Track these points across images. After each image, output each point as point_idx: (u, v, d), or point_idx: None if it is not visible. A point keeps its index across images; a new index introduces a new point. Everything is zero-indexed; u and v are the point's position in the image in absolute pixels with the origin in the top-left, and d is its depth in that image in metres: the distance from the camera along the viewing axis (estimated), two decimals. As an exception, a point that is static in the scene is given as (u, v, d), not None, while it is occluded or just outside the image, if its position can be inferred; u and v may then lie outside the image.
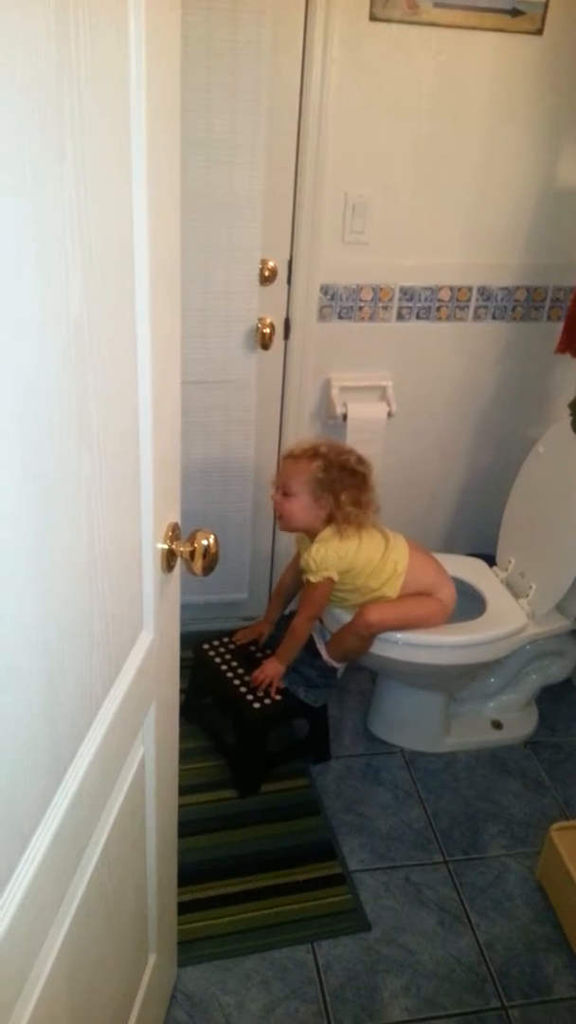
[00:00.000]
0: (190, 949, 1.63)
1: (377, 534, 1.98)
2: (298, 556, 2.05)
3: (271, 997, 1.58)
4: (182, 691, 2.11)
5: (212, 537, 1.01)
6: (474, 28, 2.02)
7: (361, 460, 1.94)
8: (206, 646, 2.15)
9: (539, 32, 2.06)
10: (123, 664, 0.92)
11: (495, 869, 1.88)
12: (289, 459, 1.94)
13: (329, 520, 1.91)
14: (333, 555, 1.88)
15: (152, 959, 1.34)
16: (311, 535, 1.95)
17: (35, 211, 0.55)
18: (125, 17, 0.68)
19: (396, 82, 2.04)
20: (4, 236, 0.52)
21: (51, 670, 0.69)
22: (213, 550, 1.01)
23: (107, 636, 0.83)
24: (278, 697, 1.98)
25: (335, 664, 2.03)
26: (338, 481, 1.89)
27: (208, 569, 1.01)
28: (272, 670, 2.00)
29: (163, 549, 0.98)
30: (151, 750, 1.08)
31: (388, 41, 1.99)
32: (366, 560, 1.92)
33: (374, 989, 1.61)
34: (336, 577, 1.91)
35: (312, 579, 1.91)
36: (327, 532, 1.91)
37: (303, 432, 2.41)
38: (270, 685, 1.99)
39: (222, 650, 2.13)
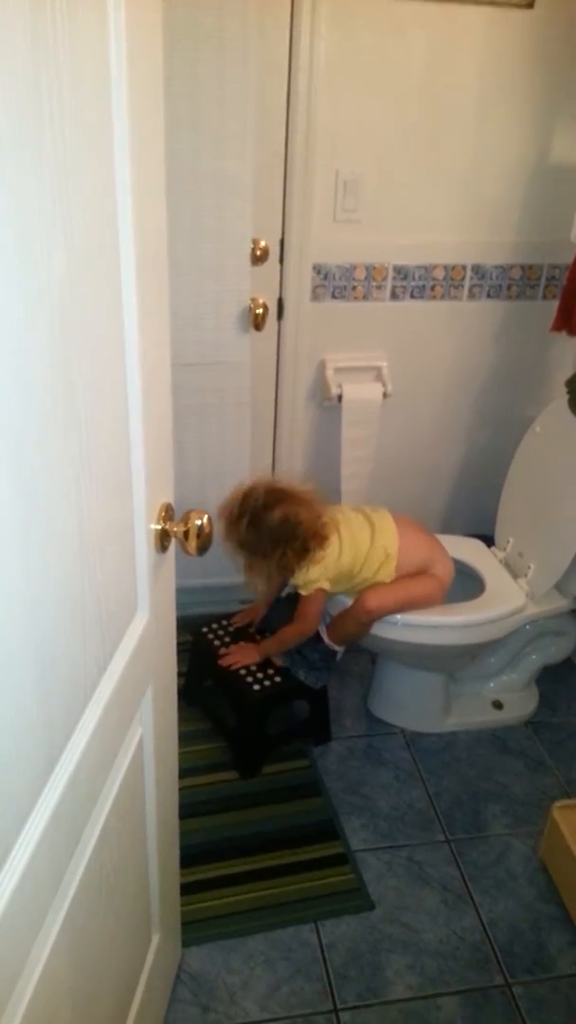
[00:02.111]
0: (194, 929, 1.64)
1: (357, 521, 1.95)
2: None
3: (275, 976, 1.59)
4: (181, 674, 2.11)
5: (206, 517, 1.01)
6: (464, 2, 2.00)
7: (283, 493, 1.82)
8: (205, 629, 2.15)
9: (530, 5, 2.04)
10: (118, 646, 0.92)
11: (497, 848, 1.89)
12: (220, 526, 1.84)
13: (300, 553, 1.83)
14: (318, 570, 1.86)
15: (156, 939, 1.35)
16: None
17: (13, 180, 0.54)
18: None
19: (386, 58, 2.02)
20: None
21: (42, 651, 0.68)
22: (207, 530, 1.00)
23: (100, 618, 0.83)
24: (278, 679, 1.99)
25: (335, 647, 2.04)
26: (273, 530, 1.78)
27: (203, 549, 1.01)
28: (244, 656, 2.00)
29: (156, 530, 0.98)
30: (149, 731, 1.09)
31: (377, 16, 1.97)
32: (353, 557, 1.90)
33: (378, 967, 1.62)
34: (328, 587, 1.90)
35: (304, 592, 1.89)
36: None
37: (298, 414, 2.41)
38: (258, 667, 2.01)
39: (221, 633, 2.13)
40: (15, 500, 0.60)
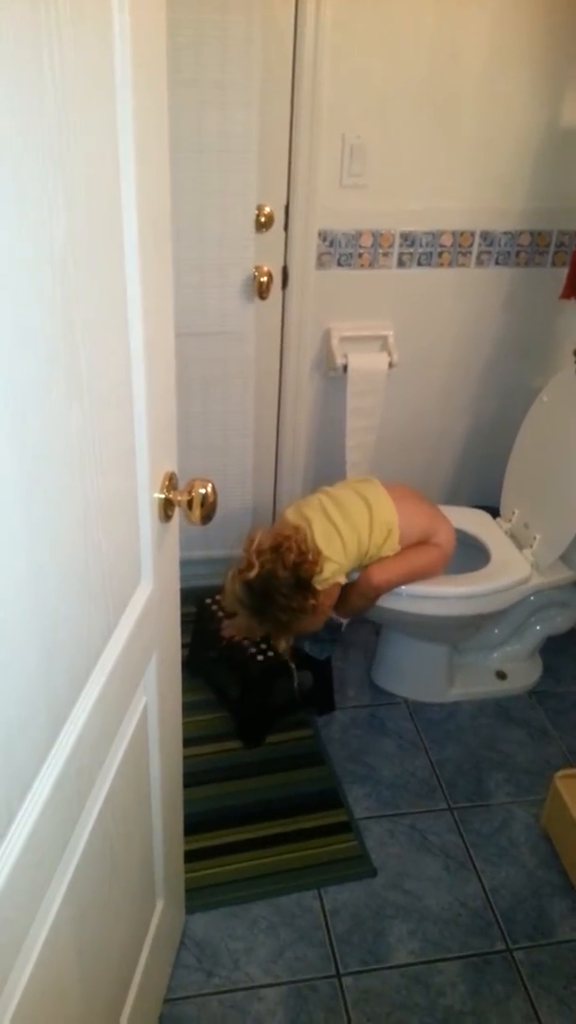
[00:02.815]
0: (198, 896, 1.66)
1: (353, 504, 1.89)
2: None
3: (279, 942, 1.61)
4: (185, 645, 2.12)
5: (210, 485, 1.00)
6: (475, -42, 1.95)
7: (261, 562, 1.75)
8: (208, 600, 2.16)
9: (543, -38, 1.99)
10: (122, 615, 0.92)
11: (499, 816, 1.90)
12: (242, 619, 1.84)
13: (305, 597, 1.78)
14: (332, 567, 1.82)
15: (160, 905, 1.36)
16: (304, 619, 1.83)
17: (10, 133, 0.53)
18: None
19: (394, 20, 1.98)
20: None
21: (46, 619, 0.69)
22: (211, 498, 1.00)
23: (104, 587, 0.83)
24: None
25: (340, 619, 2.04)
26: (271, 597, 1.75)
27: (207, 518, 1.01)
28: (239, 630, 1.98)
29: (160, 499, 0.98)
30: (154, 700, 1.09)
31: (385, -27, 1.93)
32: (358, 544, 1.87)
33: (380, 933, 1.64)
34: (344, 579, 1.89)
35: (320, 588, 1.83)
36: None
37: (303, 384, 2.39)
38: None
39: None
40: (18, 468, 0.60)
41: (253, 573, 1.73)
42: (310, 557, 1.76)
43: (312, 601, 1.77)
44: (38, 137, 0.57)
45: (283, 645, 1.93)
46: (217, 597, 2.16)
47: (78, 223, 0.65)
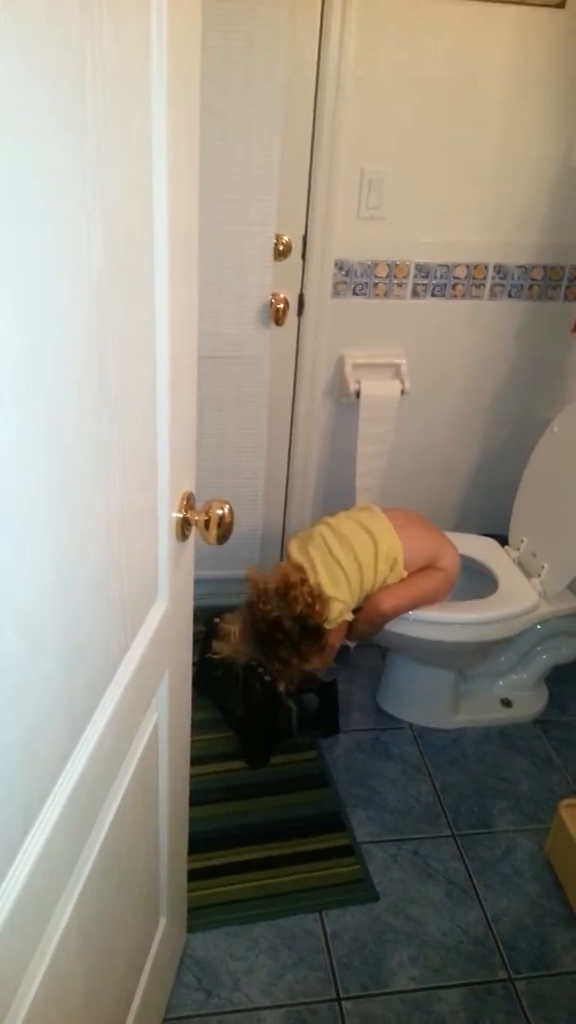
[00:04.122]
0: (200, 916, 1.65)
1: (356, 536, 1.88)
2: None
3: (279, 964, 1.60)
4: (193, 664, 2.12)
5: (227, 507, 1.01)
6: (494, 1, 1.99)
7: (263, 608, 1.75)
8: (217, 620, 2.16)
9: (561, 5, 2.03)
10: (138, 630, 0.93)
11: (503, 844, 1.89)
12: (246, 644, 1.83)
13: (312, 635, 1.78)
14: (339, 609, 1.82)
15: (162, 923, 1.36)
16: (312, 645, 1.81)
17: (56, 159, 0.55)
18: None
19: (414, 57, 2.02)
20: (25, 187, 0.52)
21: (69, 632, 0.70)
22: (228, 519, 1.01)
23: (123, 600, 0.84)
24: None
25: (347, 642, 2.04)
26: (275, 640, 1.75)
27: (223, 538, 1.02)
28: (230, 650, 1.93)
29: (178, 518, 0.99)
30: (164, 717, 1.10)
31: (407, 14, 1.97)
32: (362, 580, 1.86)
33: (381, 958, 1.63)
34: (351, 616, 1.89)
35: (328, 627, 1.82)
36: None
37: (316, 409, 2.41)
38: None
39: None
40: (48, 472, 0.61)
41: (259, 614, 1.73)
42: (317, 607, 1.75)
43: (320, 643, 1.77)
44: (80, 157, 0.59)
45: (282, 685, 1.89)
46: (227, 616, 2.16)
47: (115, 246, 0.67)
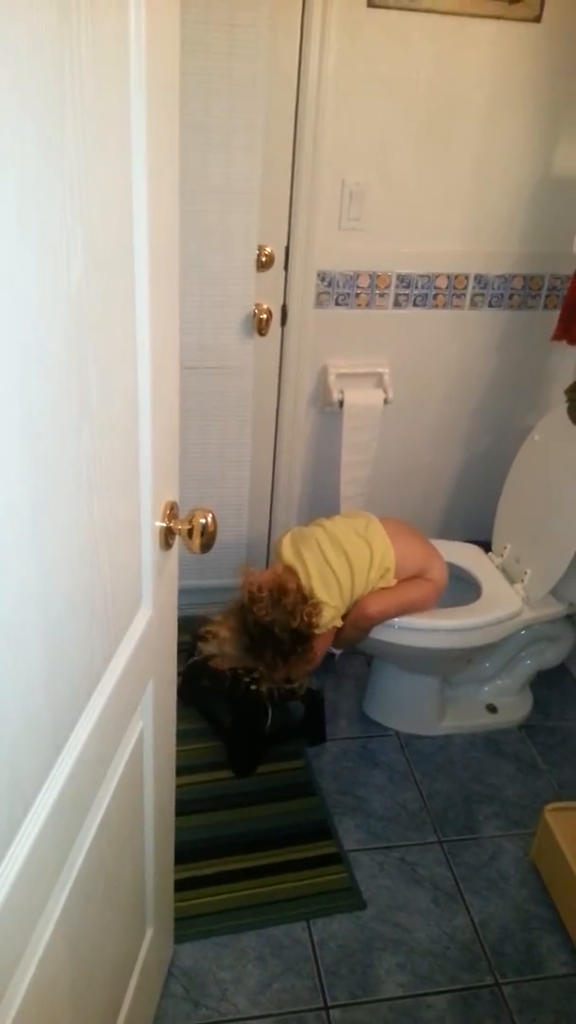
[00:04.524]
0: (187, 926, 1.65)
1: (350, 543, 1.87)
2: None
3: (267, 973, 1.60)
4: (179, 673, 2.12)
5: (210, 516, 1.02)
6: (472, 15, 2.02)
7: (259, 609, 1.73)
8: (203, 629, 2.16)
9: (537, 19, 2.06)
10: (122, 639, 0.93)
11: (489, 850, 1.90)
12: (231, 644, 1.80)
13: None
14: (330, 615, 1.82)
15: (149, 933, 1.36)
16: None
17: (37, 180, 0.56)
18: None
19: (394, 69, 2.04)
20: (7, 203, 0.52)
21: (51, 640, 0.70)
22: (211, 528, 1.02)
23: (107, 609, 0.84)
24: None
25: (333, 649, 2.04)
26: (265, 643, 1.73)
27: (206, 547, 1.02)
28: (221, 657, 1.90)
29: (161, 527, 1.00)
30: (149, 726, 1.10)
31: (386, 28, 1.99)
32: (353, 587, 1.86)
33: (369, 966, 1.63)
34: (340, 623, 1.88)
35: (317, 632, 1.81)
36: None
37: (300, 418, 2.42)
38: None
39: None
40: (30, 489, 0.61)
41: (251, 618, 1.72)
42: (309, 613, 1.74)
43: (308, 649, 1.77)
44: (60, 170, 0.60)
45: (264, 687, 1.89)
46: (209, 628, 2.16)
47: (94, 259, 0.68)
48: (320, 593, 1.81)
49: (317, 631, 1.80)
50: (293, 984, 1.59)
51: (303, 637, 1.75)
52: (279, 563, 1.90)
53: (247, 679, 1.99)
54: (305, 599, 1.77)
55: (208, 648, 1.85)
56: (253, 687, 1.96)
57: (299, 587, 1.79)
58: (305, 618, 1.74)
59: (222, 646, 1.80)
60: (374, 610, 1.90)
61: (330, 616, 1.82)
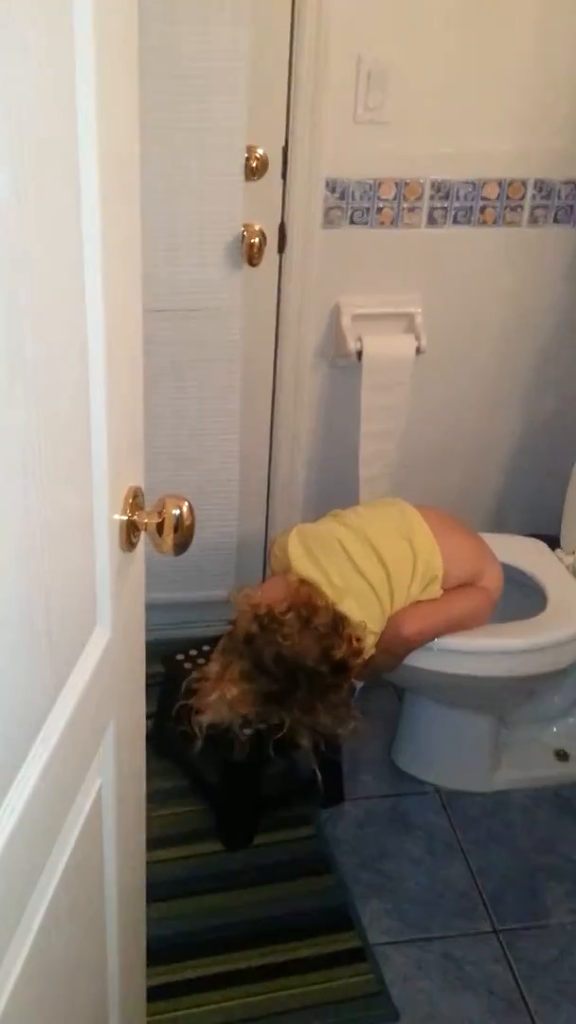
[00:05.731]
0: (165, 1047, 1.66)
1: (387, 544, 1.86)
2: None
3: None
4: (150, 715, 2.12)
5: (186, 505, 1.01)
6: None
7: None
8: (180, 657, 2.16)
9: None
10: (72, 670, 0.92)
11: (560, 941, 1.90)
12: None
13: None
14: (371, 642, 1.81)
15: (115, 1059, 1.36)
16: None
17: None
18: None
19: None
20: None
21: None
22: (187, 521, 1.01)
23: (50, 631, 0.83)
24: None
25: (353, 682, 2.03)
26: (295, 682, 1.70)
27: (181, 546, 1.01)
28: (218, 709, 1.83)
29: (121, 521, 0.99)
30: (110, 783, 1.09)
31: None
32: (392, 603, 1.85)
33: None
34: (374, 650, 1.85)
35: (363, 659, 1.79)
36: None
37: (305, 376, 2.41)
38: None
39: (201, 663, 2.14)
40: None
41: (271, 651, 1.67)
42: (358, 637, 1.71)
43: (346, 684, 1.74)
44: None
45: (307, 743, 1.80)
46: (191, 652, 2.16)
47: (25, 168, 0.66)
48: (354, 612, 1.78)
49: (361, 660, 1.76)
50: None
51: (345, 668, 1.72)
52: (289, 575, 1.85)
53: (239, 722, 1.98)
54: (341, 617, 1.74)
55: (209, 713, 1.75)
56: (248, 731, 1.96)
57: (328, 602, 1.77)
58: (355, 642, 1.71)
59: (232, 704, 1.71)
60: (413, 630, 1.88)
61: (371, 643, 1.81)
